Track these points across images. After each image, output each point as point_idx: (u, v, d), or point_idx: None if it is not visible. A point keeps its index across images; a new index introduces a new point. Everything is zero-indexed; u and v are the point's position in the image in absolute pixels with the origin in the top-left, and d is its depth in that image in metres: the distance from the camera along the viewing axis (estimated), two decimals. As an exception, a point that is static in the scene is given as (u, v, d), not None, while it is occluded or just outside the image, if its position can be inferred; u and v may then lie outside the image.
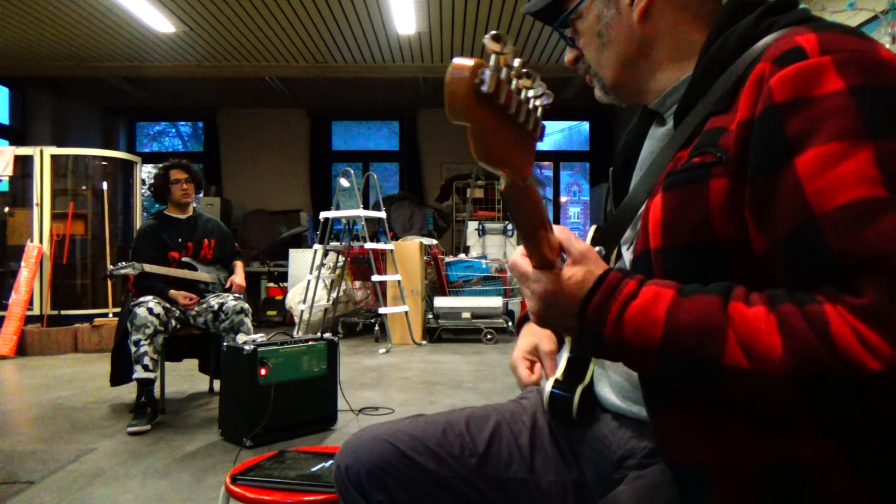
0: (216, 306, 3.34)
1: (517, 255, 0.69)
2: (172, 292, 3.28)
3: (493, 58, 0.51)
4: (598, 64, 0.84)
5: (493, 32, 0.51)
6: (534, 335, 0.96)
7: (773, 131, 0.60)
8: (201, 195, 8.09)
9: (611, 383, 0.84)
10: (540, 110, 0.59)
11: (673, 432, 0.66)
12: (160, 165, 3.56)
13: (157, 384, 3.24)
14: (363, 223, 5.89)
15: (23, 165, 5.98)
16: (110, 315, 5.78)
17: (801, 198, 0.57)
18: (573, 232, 0.69)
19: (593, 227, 0.83)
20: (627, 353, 0.63)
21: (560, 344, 0.93)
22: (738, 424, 0.61)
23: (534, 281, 0.67)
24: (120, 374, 3.32)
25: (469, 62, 0.50)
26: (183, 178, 3.48)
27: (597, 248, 0.76)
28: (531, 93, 0.57)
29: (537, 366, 0.94)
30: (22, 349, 5.35)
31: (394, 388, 3.93)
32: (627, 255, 0.80)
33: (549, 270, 0.66)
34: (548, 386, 0.87)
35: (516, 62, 0.54)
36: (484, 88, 0.51)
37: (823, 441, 0.57)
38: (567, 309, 0.66)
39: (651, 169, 0.74)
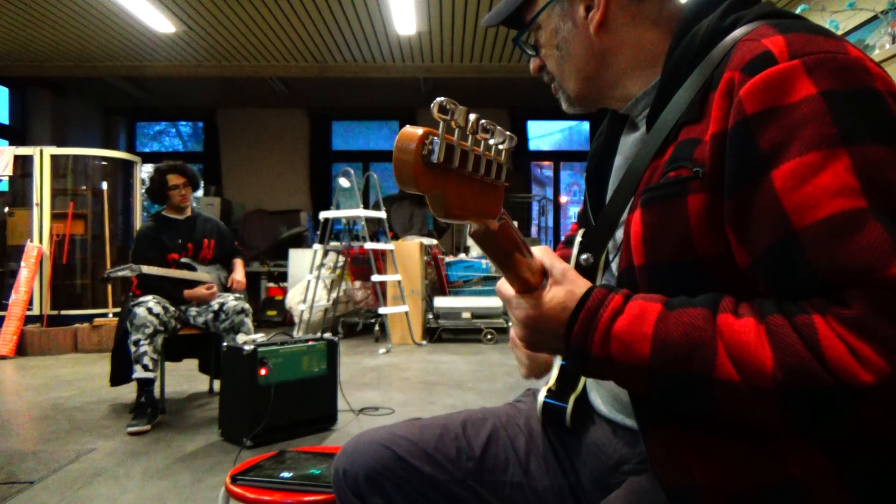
0: (216, 306, 3.34)
1: (503, 280, 0.67)
2: (187, 293, 3.30)
3: (441, 125, 0.49)
4: (561, 76, 0.82)
5: (439, 101, 0.49)
6: None
7: (747, 145, 0.58)
8: (200, 194, 8.10)
9: (603, 394, 0.84)
10: (504, 154, 0.57)
11: (665, 454, 0.65)
12: (155, 167, 3.55)
13: (157, 384, 3.24)
14: (363, 223, 5.89)
15: (23, 165, 5.97)
16: (110, 315, 5.78)
17: (780, 213, 0.56)
18: (553, 252, 0.68)
19: (581, 231, 0.82)
20: (617, 370, 0.62)
21: None
22: (731, 444, 0.60)
23: (515, 307, 0.66)
24: (120, 374, 3.32)
25: (417, 132, 0.48)
26: (181, 182, 3.47)
27: (584, 256, 0.75)
28: (492, 141, 0.55)
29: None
30: (22, 349, 5.36)
31: (394, 388, 3.93)
32: (615, 265, 0.80)
33: (530, 295, 0.65)
34: (541, 395, 0.87)
35: (471, 118, 0.52)
36: (434, 159, 0.49)
37: (817, 455, 0.57)
38: (552, 331, 0.65)
39: (627, 176, 0.72)
